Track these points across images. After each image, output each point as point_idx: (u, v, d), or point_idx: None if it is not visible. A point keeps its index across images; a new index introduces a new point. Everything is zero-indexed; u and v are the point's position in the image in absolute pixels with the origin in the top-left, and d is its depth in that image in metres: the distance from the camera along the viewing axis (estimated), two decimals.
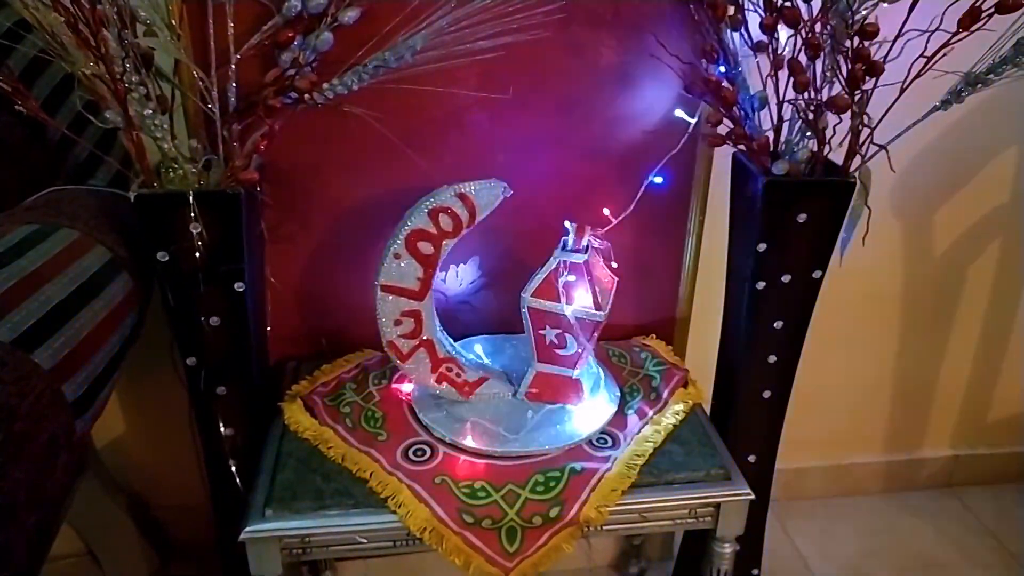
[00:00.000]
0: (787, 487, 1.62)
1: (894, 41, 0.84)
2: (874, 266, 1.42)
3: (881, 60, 0.81)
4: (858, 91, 0.83)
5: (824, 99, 0.86)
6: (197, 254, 0.91)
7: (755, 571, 1.27)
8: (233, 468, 1.06)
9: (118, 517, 1.36)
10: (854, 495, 1.66)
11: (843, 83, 0.83)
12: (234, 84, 0.91)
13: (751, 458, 1.15)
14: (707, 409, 1.15)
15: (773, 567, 1.46)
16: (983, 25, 0.82)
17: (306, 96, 0.90)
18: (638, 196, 1.02)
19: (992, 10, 0.81)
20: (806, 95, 0.87)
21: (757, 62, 0.94)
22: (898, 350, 1.53)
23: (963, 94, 0.83)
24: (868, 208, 0.90)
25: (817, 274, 1.01)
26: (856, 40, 0.81)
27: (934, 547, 1.54)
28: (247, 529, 0.87)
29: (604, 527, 0.93)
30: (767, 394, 1.10)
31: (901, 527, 1.59)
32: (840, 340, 1.48)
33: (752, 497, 0.94)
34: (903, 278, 1.46)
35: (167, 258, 0.91)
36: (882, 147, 0.86)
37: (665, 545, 1.50)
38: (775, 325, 1.04)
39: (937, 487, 1.69)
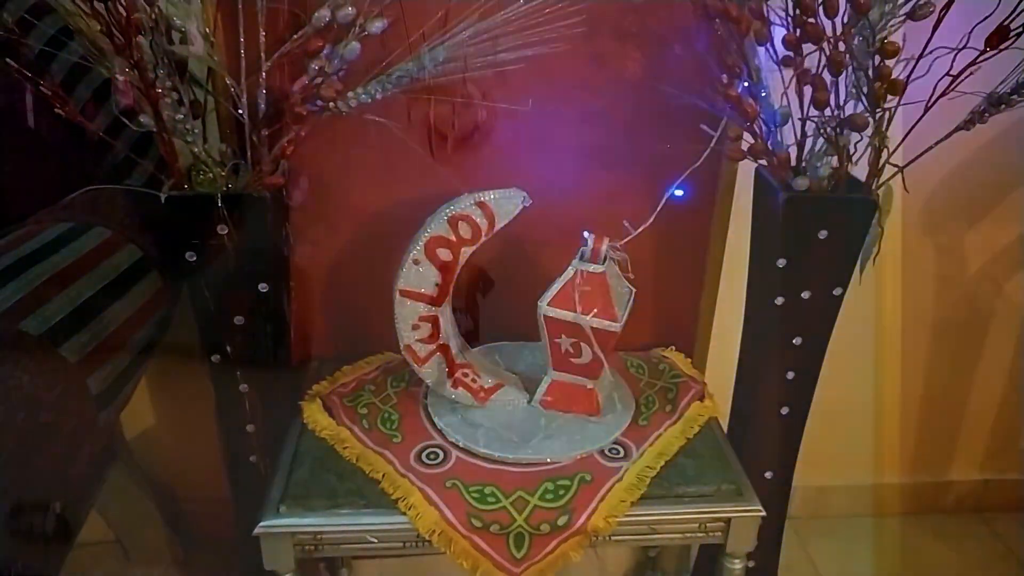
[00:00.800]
0: (809, 505, 1.60)
1: (919, 59, 0.83)
2: (905, 284, 1.40)
3: (903, 79, 0.81)
4: (879, 110, 0.82)
5: (845, 116, 0.85)
6: (224, 255, 0.94)
7: None
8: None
9: (145, 507, 1.40)
10: (878, 516, 1.63)
11: (864, 101, 0.83)
12: (264, 91, 0.94)
13: (768, 474, 1.14)
14: (725, 423, 1.15)
15: None
16: (1011, 44, 0.81)
17: (331, 104, 0.93)
18: (658, 208, 1.02)
19: (1021, 29, 0.80)
20: (827, 112, 0.87)
21: (782, 77, 0.94)
22: (928, 370, 1.51)
23: (986, 115, 0.82)
24: (881, 228, 0.89)
25: (837, 291, 1.00)
26: (877, 59, 0.80)
27: (958, 572, 1.51)
28: (261, 524, 0.90)
29: (612, 537, 0.93)
30: (785, 410, 1.10)
31: (925, 551, 1.56)
32: (868, 358, 1.46)
33: (763, 514, 0.94)
34: (934, 297, 1.43)
35: (195, 258, 0.94)
36: (899, 169, 0.85)
37: (682, 558, 1.49)
38: (794, 341, 1.04)
39: (965, 511, 1.65)
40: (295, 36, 0.93)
